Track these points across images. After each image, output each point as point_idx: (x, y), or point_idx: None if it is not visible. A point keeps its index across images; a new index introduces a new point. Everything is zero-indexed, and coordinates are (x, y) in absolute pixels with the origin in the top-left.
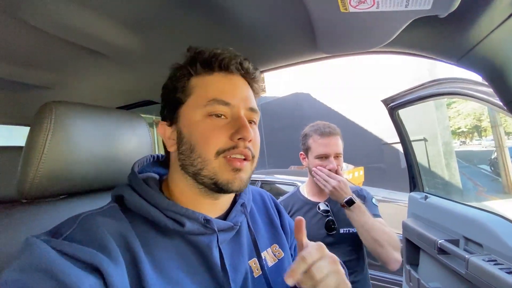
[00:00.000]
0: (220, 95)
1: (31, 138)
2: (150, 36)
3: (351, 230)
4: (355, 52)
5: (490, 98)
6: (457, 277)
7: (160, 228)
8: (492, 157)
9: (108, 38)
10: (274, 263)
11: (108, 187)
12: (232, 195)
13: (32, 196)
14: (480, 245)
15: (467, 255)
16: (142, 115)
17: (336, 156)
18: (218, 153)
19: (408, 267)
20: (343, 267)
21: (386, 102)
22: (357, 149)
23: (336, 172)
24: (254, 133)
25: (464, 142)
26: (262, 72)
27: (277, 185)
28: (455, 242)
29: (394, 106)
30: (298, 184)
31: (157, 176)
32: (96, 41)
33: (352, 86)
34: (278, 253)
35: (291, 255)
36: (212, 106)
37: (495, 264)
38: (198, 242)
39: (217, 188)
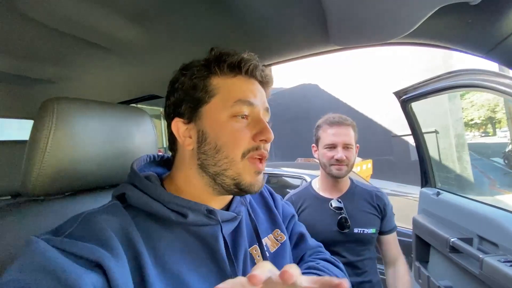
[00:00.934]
0: (244, 96)
1: (34, 135)
2: (153, 29)
3: (366, 230)
4: (371, 44)
5: None
6: (470, 277)
7: (163, 222)
8: (507, 150)
9: (111, 31)
10: (276, 247)
11: (113, 184)
12: None
13: (37, 194)
14: (495, 244)
15: (481, 255)
16: (149, 107)
17: (346, 147)
18: (244, 155)
19: (417, 264)
20: (342, 270)
21: (398, 94)
22: (366, 141)
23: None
24: None
25: (486, 134)
26: (271, 65)
27: (284, 178)
28: (469, 241)
29: (407, 98)
30: (305, 177)
31: (156, 175)
32: (99, 34)
33: (361, 76)
34: (280, 237)
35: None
36: (238, 107)
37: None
38: (202, 233)
39: (238, 189)
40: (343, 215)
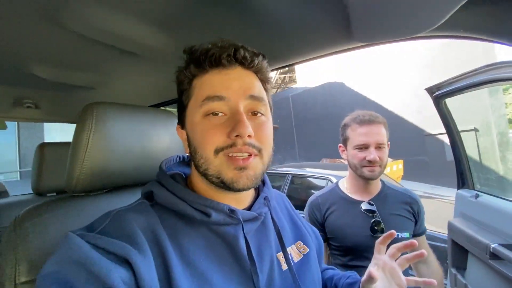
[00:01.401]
0: (213, 91)
1: (76, 137)
2: (180, 35)
3: (400, 235)
4: (397, 39)
5: None
6: None
7: (188, 220)
8: None
9: (142, 39)
10: (300, 258)
11: (145, 182)
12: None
13: (79, 190)
14: None
15: None
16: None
17: (378, 147)
18: (217, 151)
19: (454, 270)
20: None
21: (431, 90)
22: (396, 140)
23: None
24: (260, 125)
25: None
26: (291, 65)
27: (308, 178)
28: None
29: (440, 94)
30: (331, 178)
31: (183, 174)
32: (132, 42)
33: (389, 72)
34: (303, 249)
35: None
36: (207, 105)
37: None
38: (224, 232)
39: (224, 186)
40: (377, 218)
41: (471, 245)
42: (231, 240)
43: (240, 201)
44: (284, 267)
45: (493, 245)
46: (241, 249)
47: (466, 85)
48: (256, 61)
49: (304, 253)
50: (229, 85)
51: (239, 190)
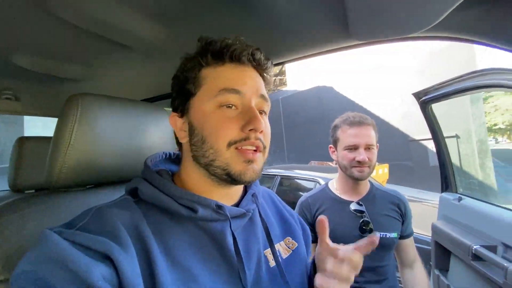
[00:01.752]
0: (231, 84)
1: (58, 129)
2: (174, 28)
3: (388, 235)
4: (393, 38)
5: None
6: (493, 287)
7: (174, 216)
8: None
9: (133, 30)
10: (288, 254)
11: (131, 179)
12: (242, 186)
13: (60, 186)
14: None
15: (506, 263)
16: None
17: (367, 148)
18: (230, 144)
19: (436, 272)
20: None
21: (418, 95)
22: (382, 145)
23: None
24: (265, 123)
25: None
26: (286, 62)
27: (297, 180)
28: (493, 249)
29: (427, 100)
30: (319, 180)
31: (167, 171)
32: (122, 34)
33: (377, 78)
34: (292, 245)
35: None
36: (223, 96)
37: None
38: (211, 228)
39: (230, 178)
40: (365, 218)
41: (454, 246)
42: (218, 236)
43: (229, 198)
44: (272, 263)
45: (475, 247)
46: (228, 245)
47: (452, 90)
48: (268, 64)
49: (293, 249)
50: (246, 81)
51: (244, 183)
